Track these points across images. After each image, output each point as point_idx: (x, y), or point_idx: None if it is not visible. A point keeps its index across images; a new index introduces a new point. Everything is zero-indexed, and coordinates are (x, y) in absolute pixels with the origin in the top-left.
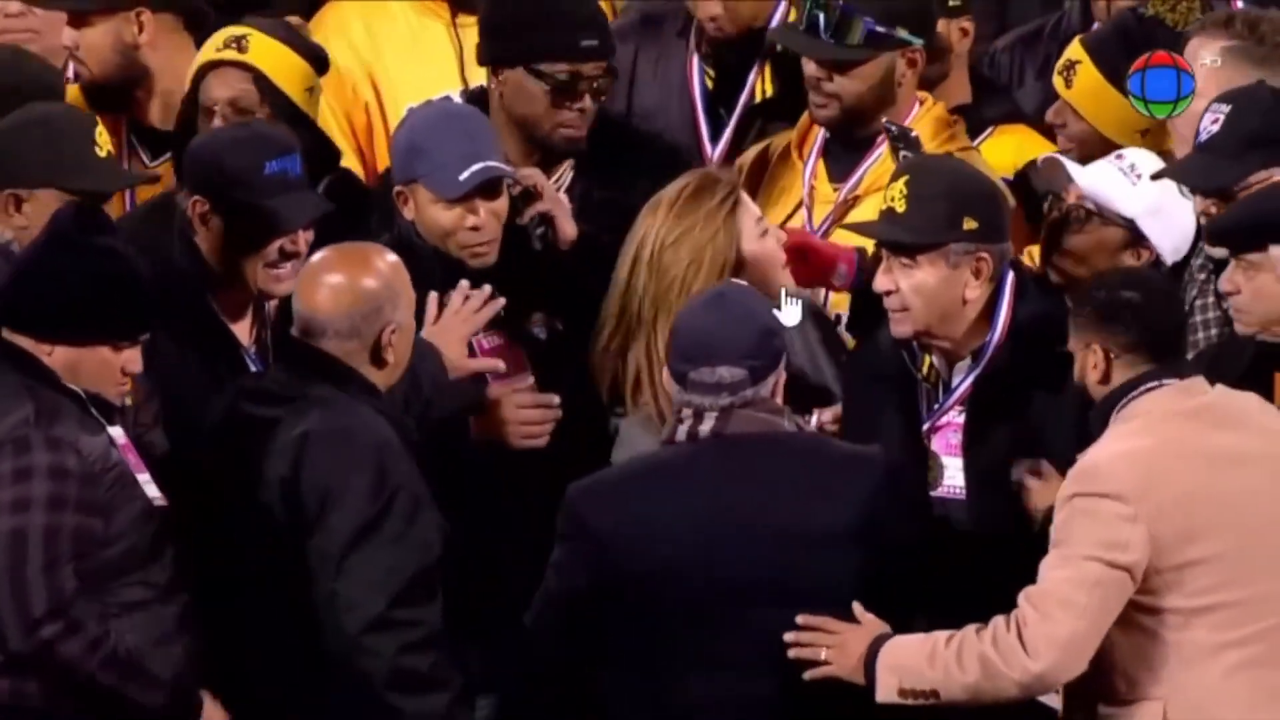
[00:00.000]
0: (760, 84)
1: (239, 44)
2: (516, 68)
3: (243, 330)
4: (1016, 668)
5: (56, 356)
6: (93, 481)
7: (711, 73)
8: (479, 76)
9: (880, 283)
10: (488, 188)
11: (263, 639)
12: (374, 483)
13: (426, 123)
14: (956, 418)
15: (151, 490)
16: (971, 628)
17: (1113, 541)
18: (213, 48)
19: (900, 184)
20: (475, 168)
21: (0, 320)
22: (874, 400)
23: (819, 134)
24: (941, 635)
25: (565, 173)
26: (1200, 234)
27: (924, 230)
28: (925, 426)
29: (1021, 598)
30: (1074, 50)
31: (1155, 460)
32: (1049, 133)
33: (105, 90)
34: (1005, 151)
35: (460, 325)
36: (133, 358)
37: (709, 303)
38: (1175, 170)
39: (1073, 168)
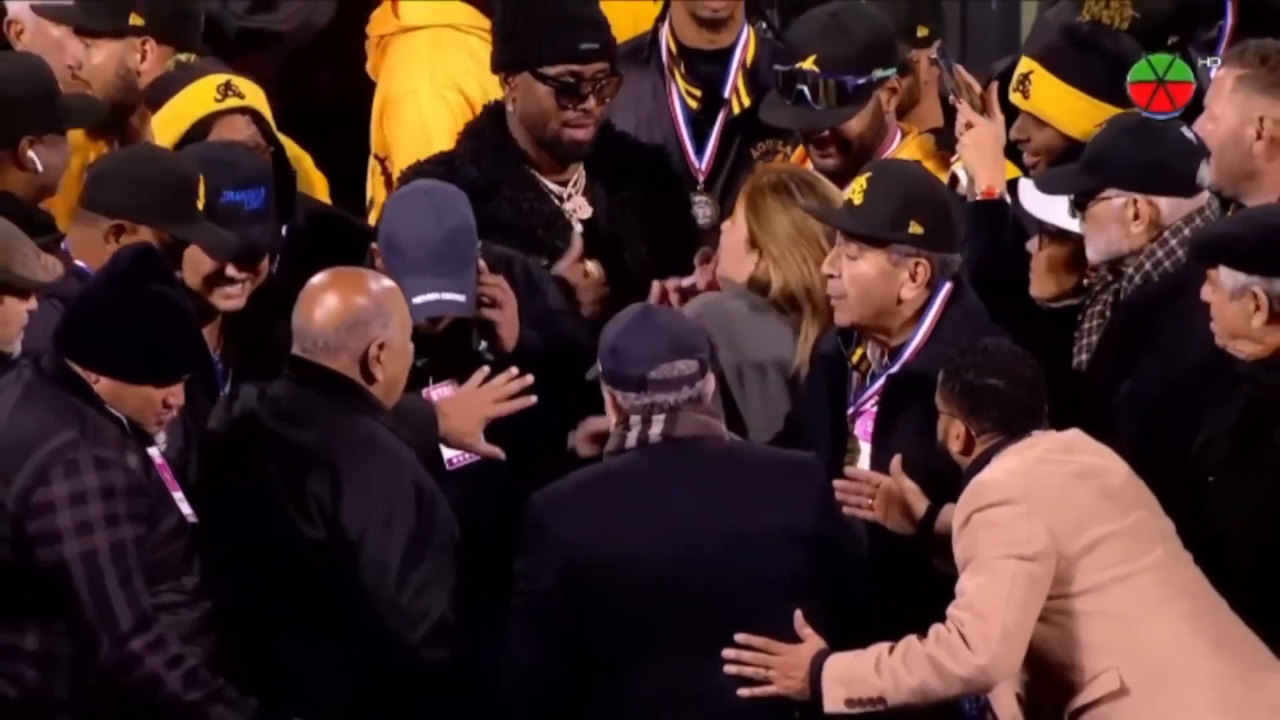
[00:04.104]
0: (736, 98)
1: (233, 90)
2: (523, 73)
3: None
4: (964, 664)
5: (103, 385)
6: (139, 493)
7: (696, 93)
8: None
9: (826, 265)
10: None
11: (299, 654)
12: (416, 496)
13: (408, 223)
14: (874, 407)
15: (185, 508)
16: (912, 637)
17: (1016, 539)
18: (210, 98)
19: (863, 180)
20: (429, 298)
21: (57, 346)
22: (815, 382)
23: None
24: (883, 646)
25: (579, 176)
26: None
27: (871, 224)
28: (850, 411)
29: (951, 608)
30: (1024, 64)
31: (1030, 468)
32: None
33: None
34: None
35: (485, 404)
36: (175, 392)
37: (641, 314)
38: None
39: (1024, 189)
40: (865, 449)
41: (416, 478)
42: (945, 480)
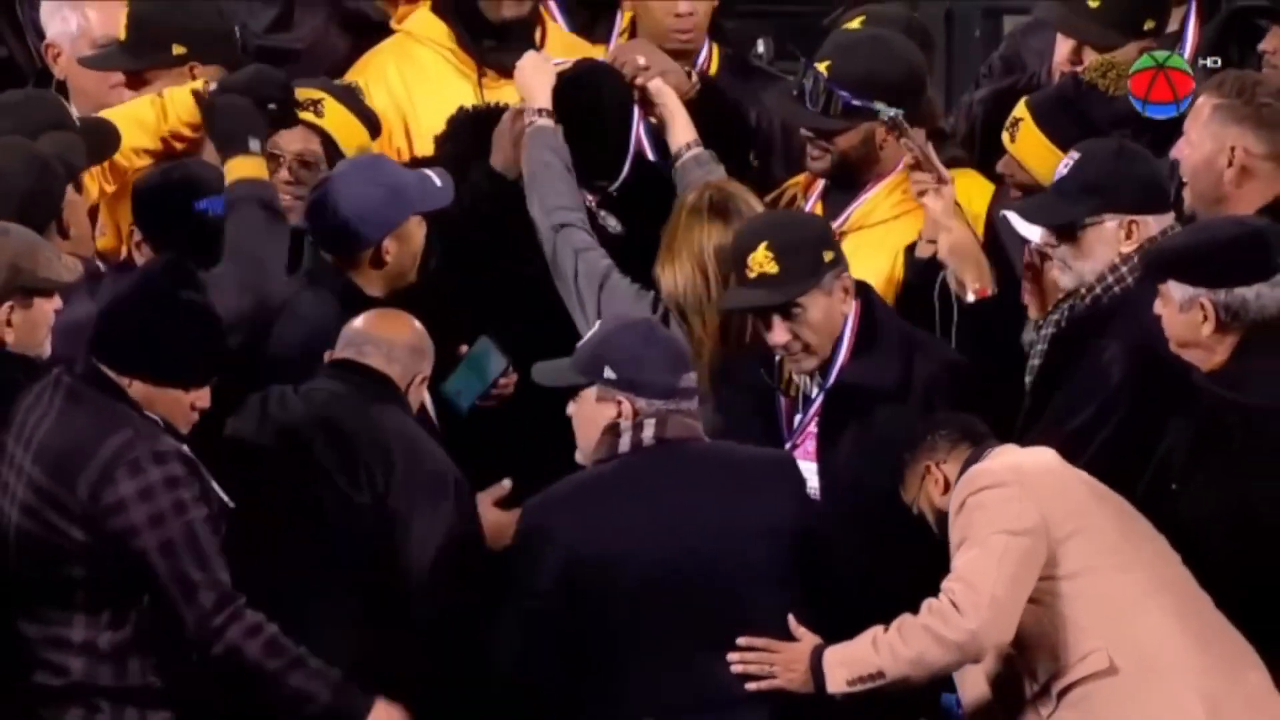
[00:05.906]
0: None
1: (316, 108)
2: None
3: None
4: (955, 629)
5: (136, 388)
6: (196, 477)
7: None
8: None
9: (777, 338)
10: None
11: (326, 630)
12: (455, 487)
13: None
14: (813, 427)
15: (222, 495)
16: (905, 614)
17: (1007, 515)
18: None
19: (762, 249)
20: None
21: (90, 350)
22: (740, 409)
23: (821, 181)
24: (878, 627)
25: None
26: None
27: (801, 279)
28: (788, 441)
29: (943, 583)
30: (1019, 109)
31: (1019, 460)
32: (996, 179)
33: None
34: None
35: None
36: (202, 395)
37: (652, 325)
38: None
39: (1014, 220)
40: (807, 468)
41: (453, 471)
42: (888, 494)
